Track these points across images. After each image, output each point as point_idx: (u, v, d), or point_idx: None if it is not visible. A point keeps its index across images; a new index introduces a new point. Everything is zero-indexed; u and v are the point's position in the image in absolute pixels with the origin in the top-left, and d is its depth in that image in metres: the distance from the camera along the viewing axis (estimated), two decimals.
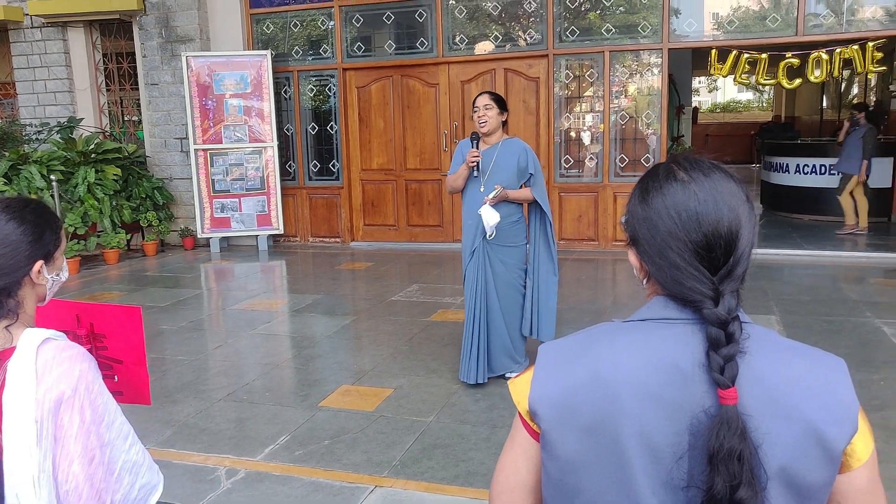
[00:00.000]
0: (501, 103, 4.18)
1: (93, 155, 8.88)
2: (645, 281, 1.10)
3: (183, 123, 9.17)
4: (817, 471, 0.94)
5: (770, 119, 20.83)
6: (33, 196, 6.51)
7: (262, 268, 8.31)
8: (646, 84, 8.14)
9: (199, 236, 9.15)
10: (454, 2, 8.48)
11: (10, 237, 1.47)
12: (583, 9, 8.15)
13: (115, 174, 8.79)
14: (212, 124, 8.96)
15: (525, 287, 4.34)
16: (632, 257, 1.11)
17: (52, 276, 1.57)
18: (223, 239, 9.22)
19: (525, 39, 8.35)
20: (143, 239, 9.19)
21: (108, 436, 1.45)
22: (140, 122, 10.05)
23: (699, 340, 0.97)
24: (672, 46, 7.83)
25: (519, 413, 1.12)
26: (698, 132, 20.65)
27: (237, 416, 3.98)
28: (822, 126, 16.15)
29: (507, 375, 4.32)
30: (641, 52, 8.02)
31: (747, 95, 29.76)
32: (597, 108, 8.24)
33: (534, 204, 4.31)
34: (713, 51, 7.82)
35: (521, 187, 4.22)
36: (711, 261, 0.98)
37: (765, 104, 26.84)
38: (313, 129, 9.32)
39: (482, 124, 4.14)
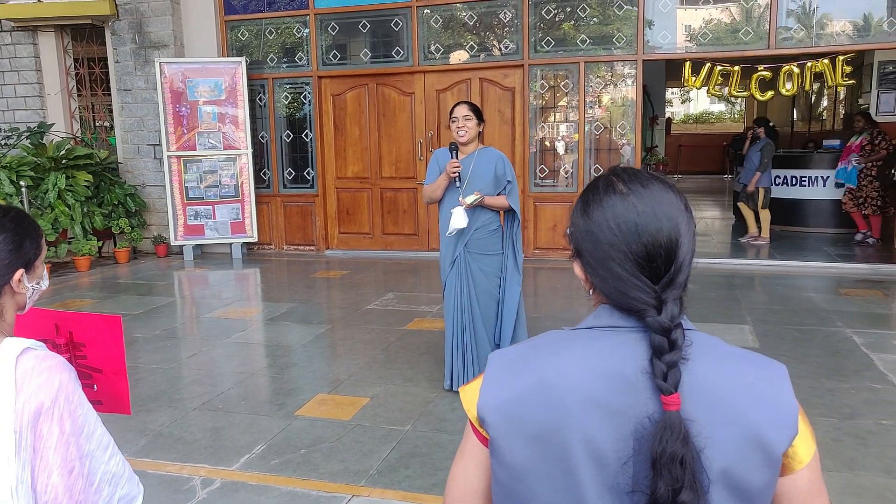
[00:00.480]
0: (479, 114, 4.20)
1: (63, 161, 8.76)
2: (591, 291, 1.12)
3: (156, 130, 9.09)
4: (759, 473, 0.97)
5: (742, 130, 21.17)
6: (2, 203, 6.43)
7: (236, 276, 8.24)
8: (620, 95, 8.23)
9: (172, 244, 9.06)
10: (429, 11, 8.52)
11: None
12: (558, 19, 8.23)
13: (86, 180, 8.67)
14: (185, 131, 8.90)
15: (499, 295, 4.37)
16: (577, 269, 1.13)
17: (32, 285, 1.55)
18: (197, 246, 9.13)
19: (500, 49, 8.41)
20: (115, 246, 9.07)
21: (88, 447, 1.43)
22: (111, 127, 9.95)
23: (643, 348, 1.00)
24: (647, 58, 7.93)
25: (469, 420, 1.13)
26: (672, 143, 20.93)
27: (212, 426, 3.95)
28: (793, 138, 16.45)
29: None
30: (616, 62, 8.11)
31: (720, 107, 30.23)
32: (571, 119, 8.32)
33: (507, 213, 4.34)
34: (687, 63, 7.94)
35: (496, 195, 4.25)
36: (653, 270, 1.01)
37: (736, 116, 27.27)
38: (288, 136, 9.28)
39: (461, 135, 4.15)
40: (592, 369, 1.01)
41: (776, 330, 5.41)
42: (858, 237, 9.02)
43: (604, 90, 8.29)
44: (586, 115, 8.23)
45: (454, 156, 4.13)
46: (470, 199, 4.00)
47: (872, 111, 9.70)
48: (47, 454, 1.38)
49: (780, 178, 10.25)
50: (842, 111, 16.61)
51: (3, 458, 1.36)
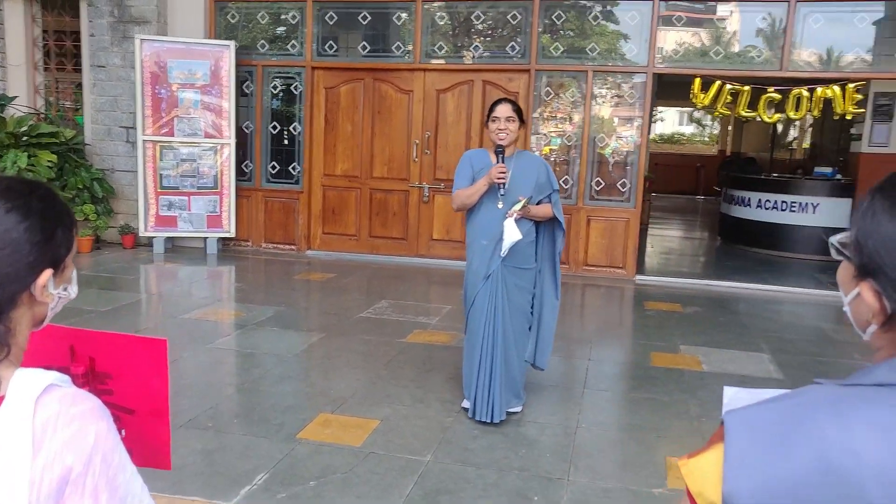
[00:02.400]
0: (521, 114, 3.80)
1: (25, 138, 8.10)
2: (877, 326, 0.83)
3: (131, 111, 8.48)
4: None
5: (717, 153, 21.23)
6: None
7: (211, 273, 7.69)
8: (628, 107, 7.92)
9: (140, 235, 8.44)
10: (435, 7, 8.11)
11: (10, 234, 1.00)
12: (567, 27, 7.89)
13: (49, 160, 8.02)
14: (164, 115, 8.31)
15: (532, 312, 3.97)
16: (866, 294, 0.82)
17: (58, 291, 1.10)
18: (168, 239, 8.53)
19: (507, 52, 8.03)
20: (78, 234, 8.41)
21: None
22: (77, 107, 9.29)
23: None
24: (658, 70, 7.63)
25: None
26: (649, 161, 20.86)
27: (203, 448, 3.45)
28: (773, 164, 16.54)
29: (507, 410, 3.92)
30: (625, 73, 7.80)
31: (690, 129, 30.35)
32: (576, 128, 7.97)
33: (542, 223, 3.95)
34: (696, 79, 7.67)
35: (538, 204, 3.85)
36: None
37: (707, 139, 27.39)
38: (274, 128, 8.76)
39: (502, 137, 3.74)
40: None
41: (797, 360, 5.12)
42: None
43: (611, 101, 7.97)
44: (591, 127, 7.89)
45: (499, 160, 3.70)
46: (518, 208, 3.59)
47: (865, 142, 9.60)
48: None
49: (769, 202, 10.11)
50: (807, 142, 16.76)
51: None
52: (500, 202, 3.71)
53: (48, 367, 1.06)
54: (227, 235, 8.57)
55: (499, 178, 3.62)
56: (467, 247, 3.90)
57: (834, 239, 0.94)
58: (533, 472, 3.30)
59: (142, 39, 8.13)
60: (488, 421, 3.78)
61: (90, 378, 1.29)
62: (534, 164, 3.81)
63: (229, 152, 8.43)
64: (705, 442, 0.85)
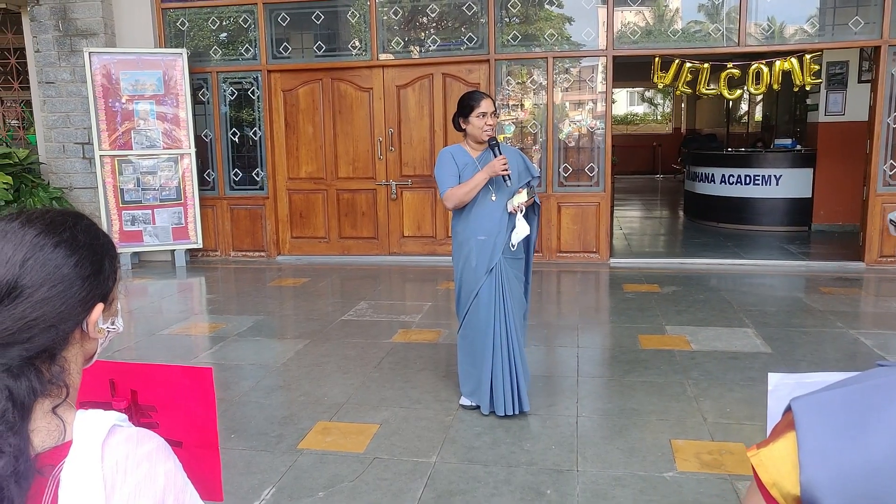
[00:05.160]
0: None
1: None
2: None
3: (85, 127, 8.24)
4: None
5: (672, 131, 21.54)
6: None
7: (183, 286, 7.53)
8: (589, 91, 7.97)
9: None
10: (389, 2, 8.03)
11: (61, 270, 0.95)
12: (525, 14, 7.89)
13: (5, 182, 7.77)
14: (119, 128, 8.09)
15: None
16: None
17: (107, 326, 1.05)
18: (134, 254, 8.34)
19: (465, 44, 8.00)
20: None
21: None
22: (24, 126, 9.00)
23: None
24: (616, 53, 7.68)
25: (769, 497, 0.80)
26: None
27: None
28: (730, 138, 16.86)
29: None
30: (585, 58, 7.84)
31: (642, 108, 30.74)
32: (539, 116, 7.99)
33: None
34: (656, 59, 7.74)
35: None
36: None
37: (660, 117, 27.77)
38: (234, 134, 8.60)
39: (487, 132, 3.72)
40: None
41: (782, 333, 5.20)
42: None
43: (572, 87, 8.01)
44: (555, 113, 7.92)
45: (496, 153, 3.66)
46: (523, 199, 3.57)
47: (821, 111, 9.82)
48: None
49: (732, 177, 10.28)
50: (759, 115, 17.12)
51: None
52: (494, 195, 3.69)
53: (89, 404, 1.02)
54: (194, 246, 8.40)
55: (504, 171, 3.58)
56: (459, 244, 3.84)
57: (894, 215, 0.93)
58: (541, 465, 3.30)
59: (90, 52, 7.90)
60: (514, 413, 3.77)
61: (133, 412, 1.24)
62: (513, 154, 3.80)
63: (190, 162, 8.26)
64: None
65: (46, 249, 0.93)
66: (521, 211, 3.63)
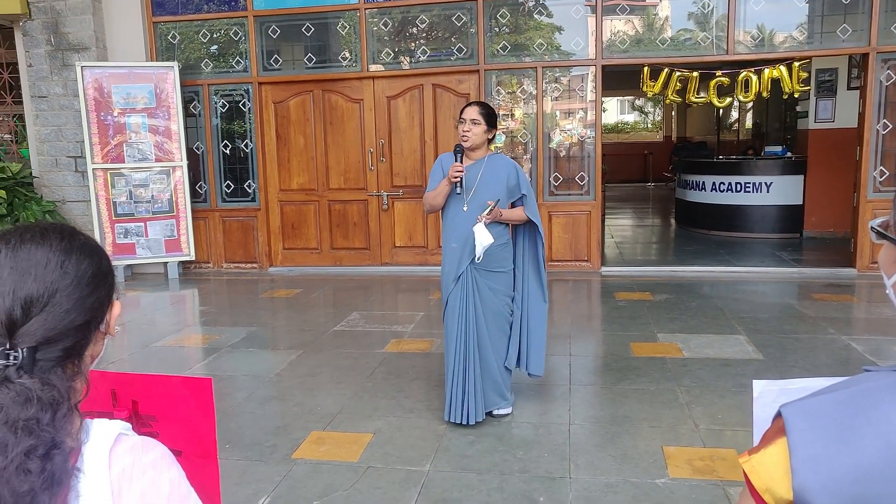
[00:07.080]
0: (491, 119, 3.81)
1: None
2: None
3: (78, 140, 8.26)
4: None
5: (662, 139, 21.66)
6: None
7: (176, 298, 7.54)
8: (579, 100, 8.03)
9: None
10: (379, 14, 8.09)
11: (88, 272, 1.01)
12: (514, 24, 7.97)
13: None
14: (112, 141, 8.11)
15: (512, 316, 3.99)
16: None
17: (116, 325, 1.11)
18: (127, 267, 8.34)
19: (455, 54, 8.07)
20: None
21: None
22: (16, 140, 9.00)
23: None
24: (606, 62, 7.76)
25: (762, 502, 0.81)
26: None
27: None
28: (721, 146, 16.96)
29: (495, 412, 3.96)
30: (574, 67, 7.91)
31: (632, 117, 30.89)
32: (530, 125, 8.05)
33: (521, 226, 3.99)
34: (645, 68, 7.82)
35: (508, 207, 3.89)
36: None
37: (650, 126, 27.90)
38: (226, 146, 8.63)
39: (464, 138, 3.77)
40: None
41: (773, 339, 5.25)
42: None
43: (562, 96, 8.07)
44: (545, 122, 7.98)
45: (458, 159, 3.74)
46: (486, 213, 3.61)
47: (811, 118, 9.91)
48: None
49: (723, 185, 10.36)
50: (749, 122, 17.27)
51: None
52: (466, 205, 3.74)
53: (91, 414, 1.05)
54: (187, 259, 8.41)
55: (454, 177, 3.65)
56: (442, 251, 3.93)
57: (874, 223, 0.95)
58: (534, 472, 3.33)
59: (83, 66, 7.93)
60: (462, 423, 3.80)
61: (134, 421, 1.27)
62: (504, 168, 3.84)
63: (182, 174, 8.28)
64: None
65: (73, 254, 0.98)
66: (483, 221, 3.64)
